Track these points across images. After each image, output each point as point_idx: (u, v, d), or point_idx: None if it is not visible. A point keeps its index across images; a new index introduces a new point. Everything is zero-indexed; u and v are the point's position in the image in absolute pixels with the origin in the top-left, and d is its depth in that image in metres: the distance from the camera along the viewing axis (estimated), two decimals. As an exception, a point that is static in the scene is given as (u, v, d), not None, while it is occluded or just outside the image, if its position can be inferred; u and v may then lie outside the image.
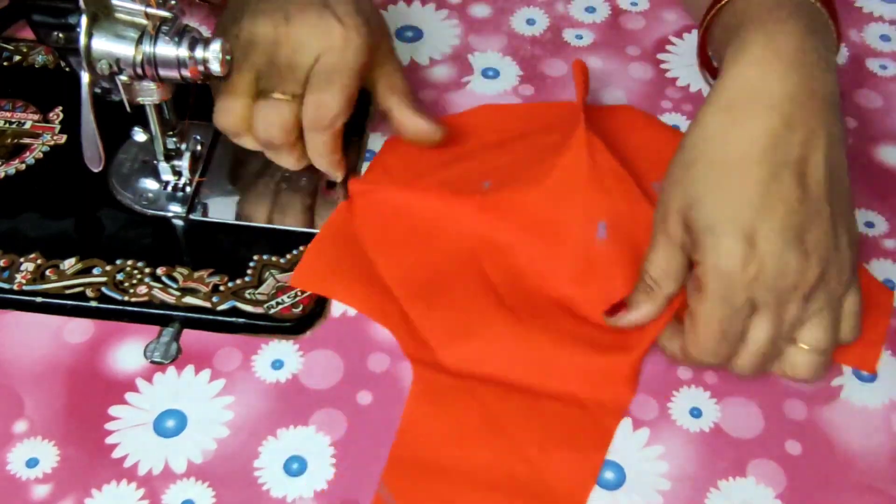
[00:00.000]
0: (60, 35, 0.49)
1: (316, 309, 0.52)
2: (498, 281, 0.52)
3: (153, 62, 0.48)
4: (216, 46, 0.48)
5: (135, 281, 0.52)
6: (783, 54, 0.46)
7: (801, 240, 0.44)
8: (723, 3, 0.52)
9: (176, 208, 0.56)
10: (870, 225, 0.57)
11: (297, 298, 0.52)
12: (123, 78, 0.49)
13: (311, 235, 0.55)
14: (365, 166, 0.59)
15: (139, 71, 0.48)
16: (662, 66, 0.67)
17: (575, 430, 0.48)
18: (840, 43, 0.51)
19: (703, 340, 0.46)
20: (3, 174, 0.57)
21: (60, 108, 0.61)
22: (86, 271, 0.53)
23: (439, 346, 0.50)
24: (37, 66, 0.64)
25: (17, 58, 0.64)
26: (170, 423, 0.48)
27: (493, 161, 0.58)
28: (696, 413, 0.49)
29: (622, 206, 0.52)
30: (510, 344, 0.50)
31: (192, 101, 0.54)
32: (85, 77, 0.48)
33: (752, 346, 0.46)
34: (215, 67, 0.49)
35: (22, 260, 0.53)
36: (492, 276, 0.53)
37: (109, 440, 0.47)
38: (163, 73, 0.49)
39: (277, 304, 0.52)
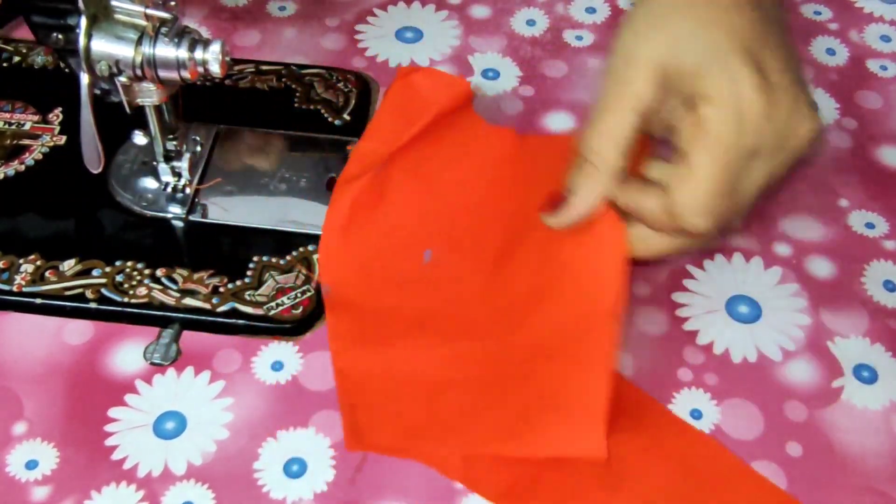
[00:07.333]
0: (60, 36, 0.49)
1: (316, 310, 0.52)
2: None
3: (153, 63, 0.48)
4: (216, 48, 0.48)
5: (134, 282, 0.52)
6: None
7: (803, 86, 0.40)
8: None
9: (175, 209, 0.56)
10: (870, 226, 0.57)
11: (297, 300, 0.52)
12: (123, 79, 0.49)
13: (311, 237, 0.55)
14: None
15: (139, 72, 0.48)
16: (662, 66, 0.67)
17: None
18: None
19: (705, 190, 0.40)
20: (2, 175, 0.57)
21: (60, 109, 0.61)
22: (85, 272, 0.52)
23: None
24: (36, 67, 0.64)
25: (16, 58, 0.64)
26: (169, 425, 0.48)
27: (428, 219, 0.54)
28: (696, 414, 0.49)
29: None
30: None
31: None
32: (84, 78, 0.48)
33: (740, 198, 0.41)
34: (215, 69, 0.49)
35: (21, 261, 0.53)
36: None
37: (109, 442, 0.47)
38: (162, 74, 0.49)
39: (277, 305, 0.52)
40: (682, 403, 0.49)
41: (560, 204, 0.44)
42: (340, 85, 0.63)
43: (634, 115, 0.41)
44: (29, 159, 0.58)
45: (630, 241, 0.44)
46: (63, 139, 0.59)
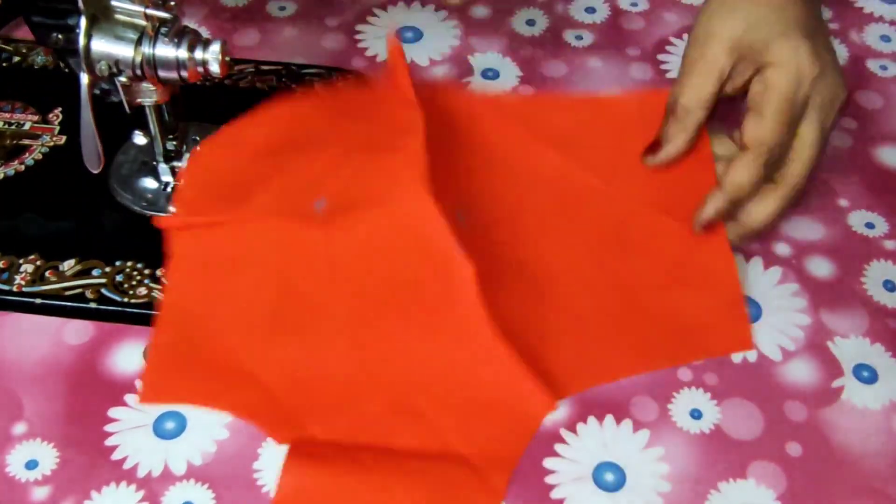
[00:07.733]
0: (59, 36, 0.49)
1: (316, 310, 0.52)
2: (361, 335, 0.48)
3: (152, 63, 0.48)
4: (216, 48, 0.48)
5: (134, 282, 0.52)
6: None
7: (838, 64, 0.52)
8: None
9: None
10: (870, 226, 0.57)
11: (297, 300, 0.52)
12: (123, 79, 0.49)
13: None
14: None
15: (138, 72, 0.48)
16: (662, 66, 0.67)
17: (462, 490, 0.44)
18: None
19: (771, 121, 0.50)
20: (2, 175, 0.57)
21: (60, 109, 0.61)
22: (85, 272, 0.52)
23: (311, 421, 0.47)
24: (36, 67, 0.64)
25: (16, 58, 0.64)
26: (169, 425, 0.48)
27: (325, 165, 0.51)
28: (696, 414, 0.49)
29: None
30: (385, 413, 0.47)
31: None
32: (84, 78, 0.48)
33: (800, 151, 0.51)
34: (215, 69, 0.49)
35: (21, 261, 0.53)
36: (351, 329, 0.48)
37: (109, 442, 0.47)
38: (162, 74, 0.49)
39: (277, 305, 0.51)
40: (682, 403, 0.49)
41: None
42: (340, 85, 0.63)
43: (714, 77, 0.52)
44: (29, 159, 0.58)
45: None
46: (63, 139, 0.59)
